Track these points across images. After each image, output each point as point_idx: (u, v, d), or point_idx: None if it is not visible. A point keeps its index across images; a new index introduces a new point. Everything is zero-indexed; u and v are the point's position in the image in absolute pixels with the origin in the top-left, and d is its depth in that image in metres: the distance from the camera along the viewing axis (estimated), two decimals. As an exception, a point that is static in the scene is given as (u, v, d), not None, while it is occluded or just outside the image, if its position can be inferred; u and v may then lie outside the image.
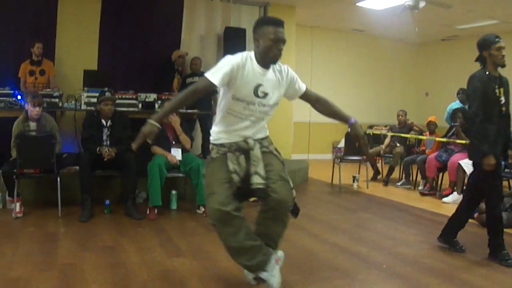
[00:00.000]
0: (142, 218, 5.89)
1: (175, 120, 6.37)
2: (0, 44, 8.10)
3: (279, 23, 3.31)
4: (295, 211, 3.72)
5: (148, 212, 5.96)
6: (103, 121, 6.25)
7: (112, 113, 6.27)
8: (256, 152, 3.43)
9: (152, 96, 7.63)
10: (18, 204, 5.83)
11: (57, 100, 7.15)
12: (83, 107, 7.26)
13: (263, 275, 3.49)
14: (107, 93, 6.34)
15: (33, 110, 6.05)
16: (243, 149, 3.46)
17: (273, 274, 3.47)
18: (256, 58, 3.37)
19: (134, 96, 7.51)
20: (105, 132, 6.25)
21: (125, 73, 8.82)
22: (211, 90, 3.39)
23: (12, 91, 7.03)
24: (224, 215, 3.28)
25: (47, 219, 5.78)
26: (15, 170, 5.85)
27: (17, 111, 6.60)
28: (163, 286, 3.81)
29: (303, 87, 3.65)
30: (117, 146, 6.10)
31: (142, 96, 7.57)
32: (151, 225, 5.63)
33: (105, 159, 5.98)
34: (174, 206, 6.44)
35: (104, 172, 6.17)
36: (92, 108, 6.92)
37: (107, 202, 6.07)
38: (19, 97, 6.92)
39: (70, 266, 4.18)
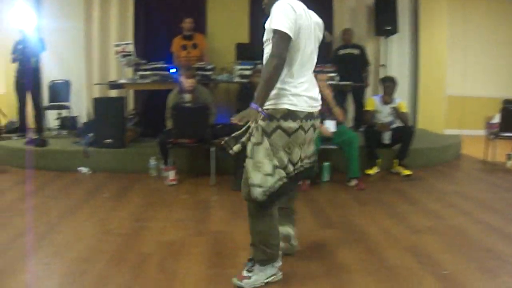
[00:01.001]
0: (294, 189, 5.79)
1: (328, 93, 6.19)
2: (154, 20, 8.38)
3: None
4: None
5: (300, 183, 5.85)
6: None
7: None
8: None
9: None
10: (172, 173, 5.99)
11: (210, 72, 7.25)
12: (236, 79, 7.29)
13: None
14: (259, 66, 6.30)
15: (186, 82, 6.16)
16: None
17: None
18: None
19: (286, 69, 7.42)
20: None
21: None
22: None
23: (165, 65, 7.25)
24: None
25: (199, 187, 5.90)
26: (170, 140, 6.01)
27: (171, 84, 6.77)
28: (313, 256, 3.70)
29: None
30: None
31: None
32: (303, 196, 5.48)
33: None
34: (326, 178, 6.27)
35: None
36: (245, 80, 6.93)
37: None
38: (172, 70, 7.09)
39: (221, 233, 4.20)
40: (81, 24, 9.19)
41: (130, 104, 8.03)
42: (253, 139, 3.10)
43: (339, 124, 6.21)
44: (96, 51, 9.17)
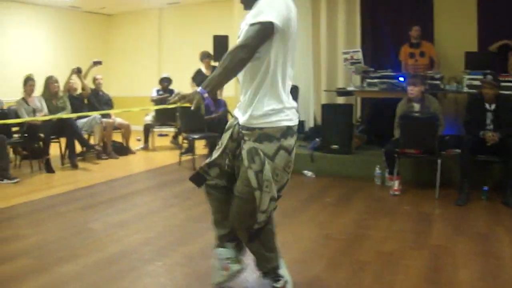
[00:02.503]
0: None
1: None
2: (381, 29, 8.44)
3: None
4: None
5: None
6: (487, 105, 5.95)
7: (496, 97, 5.92)
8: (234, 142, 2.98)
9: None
10: (397, 182, 6.00)
11: (438, 82, 7.08)
12: (465, 89, 7.02)
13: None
14: (488, 76, 6.02)
15: (412, 91, 6.11)
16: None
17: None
18: None
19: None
20: (489, 115, 5.93)
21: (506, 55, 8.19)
22: None
23: (394, 73, 7.26)
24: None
25: (423, 199, 5.80)
26: (397, 150, 6.00)
27: (399, 93, 6.77)
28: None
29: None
30: (500, 131, 5.74)
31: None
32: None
33: (488, 144, 5.69)
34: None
35: (485, 157, 5.80)
36: (474, 90, 6.66)
37: (485, 188, 5.77)
38: (401, 79, 7.07)
39: (441, 248, 4.11)
40: (310, 31, 9.56)
41: (357, 112, 8.15)
42: (254, 166, 2.77)
43: None
44: (324, 58, 9.43)
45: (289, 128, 2.79)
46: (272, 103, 2.75)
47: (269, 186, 2.77)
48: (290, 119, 2.80)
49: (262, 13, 2.57)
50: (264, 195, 2.76)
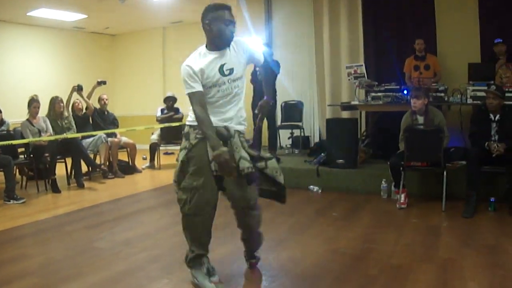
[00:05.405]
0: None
1: None
2: (384, 43, 8.49)
3: (227, 8, 3.41)
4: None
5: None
6: (491, 115, 5.94)
7: (500, 107, 5.92)
8: (236, 140, 3.58)
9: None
10: (403, 196, 5.99)
11: (442, 94, 7.09)
12: (469, 101, 7.02)
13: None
14: (492, 86, 6.02)
15: (415, 103, 6.10)
16: (223, 136, 3.48)
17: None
18: (208, 47, 3.47)
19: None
20: (493, 126, 5.93)
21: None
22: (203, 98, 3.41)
23: (398, 86, 7.27)
24: (210, 208, 3.50)
25: (430, 212, 5.79)
26: (402, 163, 6.00)
27: (404, 106, 6.78)
28: None
29: (262, 58, 3.71)
30: (505, 141, 5.73)
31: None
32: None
33: (493, 155, 5.68)
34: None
35: (491, 168, 5.79)
36: (478, 102, 6.66)
37: (492, 199, 5.74)
38: (404, 92, 7.09)
39: (449, 261, 4.09)
40: (312, 47, 9.67)
41: (362, 126, 8.15)
42: None
43: None
44: (328, 73, 9.48)
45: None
46: None
47: None
48: None
49: None
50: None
